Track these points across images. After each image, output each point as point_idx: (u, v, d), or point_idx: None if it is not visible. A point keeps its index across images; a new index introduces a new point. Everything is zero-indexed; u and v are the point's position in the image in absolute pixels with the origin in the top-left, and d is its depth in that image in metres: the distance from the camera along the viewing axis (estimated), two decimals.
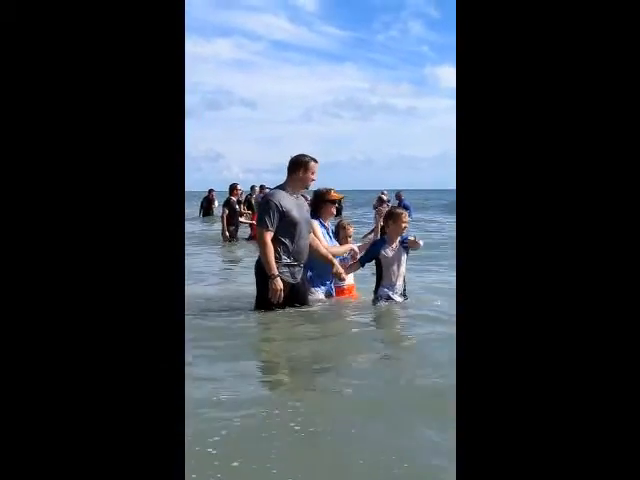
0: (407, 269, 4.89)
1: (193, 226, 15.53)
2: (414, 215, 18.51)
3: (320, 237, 4.87)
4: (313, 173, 4.54)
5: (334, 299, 4.95)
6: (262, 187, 16.90)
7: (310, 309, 4.66)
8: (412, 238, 4.80)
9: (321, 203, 4.98)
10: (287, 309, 4.49)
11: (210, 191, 19.31)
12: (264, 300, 4.44)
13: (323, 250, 4.74)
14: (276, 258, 4.39)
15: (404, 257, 4.82)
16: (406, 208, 17.18)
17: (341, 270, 4.77)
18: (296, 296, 4.57)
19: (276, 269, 4.36)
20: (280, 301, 4.40)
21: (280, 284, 4.36)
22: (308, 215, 4.65)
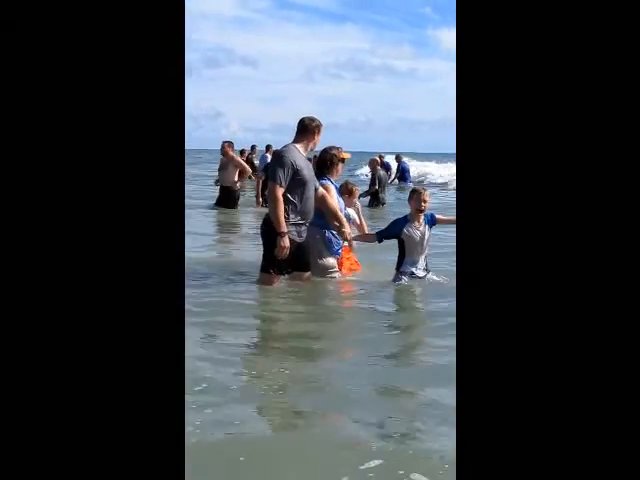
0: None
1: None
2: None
3: (335, 199, 4.88)
4: (320, 137, 4.66)
5: (343, 272, 4.94)
6: (268, 147, 16.96)
7: (321, 283, 4.69)
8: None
9: (331, 162, 4.97)
10: (295, 281, 4.55)
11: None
12: (272, 260, 4.47)
13: (333, 207, 4.71)
14: (285, 216, 4.39)
15: (428, 234, 4.78)
16: (405, 170, 17.35)
17: (349, 231, 4.74)
18: (302, 256, 4.59)
19: (285, 227, 4.36)
20: (285, 257, 4.41)
21: (287, 242, 4.37)
22: (313, 175, 4.66)
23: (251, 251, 5.79)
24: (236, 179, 10.40)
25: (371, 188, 12.05)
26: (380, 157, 14.43)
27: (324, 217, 4.78)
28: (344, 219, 4.77)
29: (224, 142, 10.43)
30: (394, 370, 3.00)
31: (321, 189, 4.74)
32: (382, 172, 12.64)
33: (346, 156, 5.22)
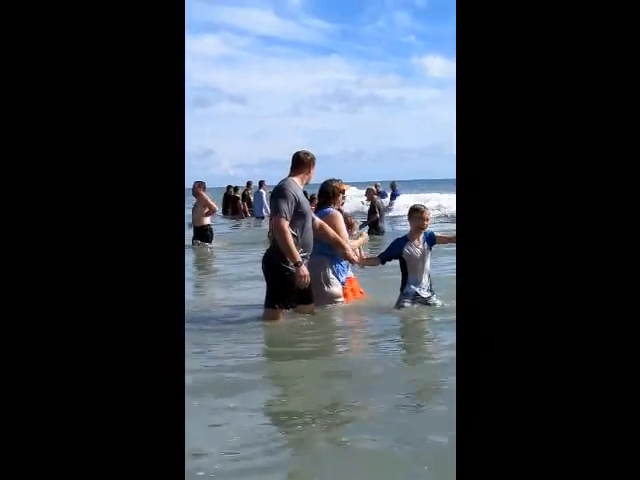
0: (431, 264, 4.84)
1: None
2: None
3: (343, 226, 4.98)
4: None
5: (348, 300, 5.01)
6: (262, 183, 17.08)
7: (328, 312, 4.73)
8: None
9: (333, 193, 5.11)
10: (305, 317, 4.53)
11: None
12: (277, 295, 4.46)
13: (333, 234, 4.78)
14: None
15: (429, 253, 4.79)
16: (394, 196, 17.46)
17: (352, 254, 4.81)
18: (305, 288, 4.55)
19: (299, 256, 4.36)
20: (306, 286, 4.42)
21: (306, 270, 4.38)
22: (310, 208, 4.73)
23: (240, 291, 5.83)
24: (206, 219, 10.50)
25: (371, 217, 11.98)
26: (376, 186, 14.48)
27: (331, 247, 4.85)
28: (345, 244, 4.84)
29: (195, 183, 10.50)
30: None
31: (317, 219, 4.82)
32: (379, 200, 12.64)
33: (346, 188, 5.37)
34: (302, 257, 4.48)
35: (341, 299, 4.95)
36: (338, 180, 5.30)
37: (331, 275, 4.91)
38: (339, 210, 5.24)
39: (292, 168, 4.68)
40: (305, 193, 5.17)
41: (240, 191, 18.78)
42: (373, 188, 13.15)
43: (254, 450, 2.29)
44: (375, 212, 11.93)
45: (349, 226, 5.39)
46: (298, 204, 4.47)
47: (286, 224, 4.39)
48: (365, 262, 5.19)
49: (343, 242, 4.82)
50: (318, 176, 5.14)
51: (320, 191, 5.32)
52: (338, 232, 4.87)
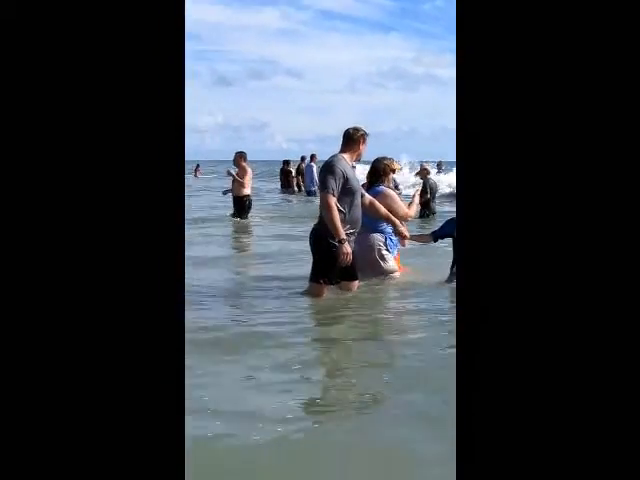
0: None
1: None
2: None
3: (399, 203, 5.13)
4: (366, 147, 4.70)
5: (402, 272, 5.14)
6: (313, 156, 17.12)
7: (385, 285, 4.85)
8: None
9: (384, 172, 5.16)
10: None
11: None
12: (322, 270, 4.49)
13: (383, 210, 4.86)
14: None
15: None
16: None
17: (404, 229, 4.89)
18: (351, 265, 4.55)
19: (344, 234, 4.36)
20: (349, 263, 4.43)
21: (349, 248, 4.39)
22: (360, 185, 4.73)
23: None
24: (245, 189, 10.59)
25: (423, 197, 11.86)
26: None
27: (381, 221, 4.93)
28: (396, 220, 4.89)
29: (236, 153, 10.59)
30: None
31: (368, 196, 4.85)
32: (432, 180, 12.48)
33: (397, 167, 5.46)
34: (349, 233, 4.50)
35: (397, 272, 5.08)
36: (390, 158, 5.33)
37: (385, 251, 5.02)
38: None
39: (342, 144, 4.68)
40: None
41: (293, 165, 18.92)
42: (427, 167, 12.96)
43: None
44: (427, 192, 11.79)
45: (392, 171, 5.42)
46: (346, 180, 4.47)
47: (333, 200, 4.40)
48: (417, 239, 5.23)
49: (394, 218, 4.87)
50: (371, 153, 5.15)
51: (371, 169, 5.31)
52: (393, 211, 4.94)
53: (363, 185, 5.15)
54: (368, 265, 4.90)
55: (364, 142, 4.67)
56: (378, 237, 4.97)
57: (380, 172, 5.17)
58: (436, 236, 4.97)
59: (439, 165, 18.08)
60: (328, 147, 4.76)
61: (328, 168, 4.54)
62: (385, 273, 4.99)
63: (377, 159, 5.27)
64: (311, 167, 16.40)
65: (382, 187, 5.13)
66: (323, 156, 4.85)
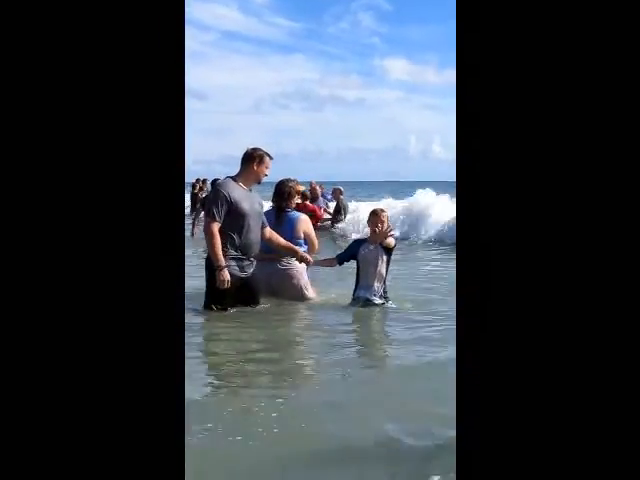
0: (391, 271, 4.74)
1: None
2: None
3: (313, 231, 5.15)
4: (267, 167, 4.51)
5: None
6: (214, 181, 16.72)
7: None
8: (389, 236, 4.59)
9: (289, 194, 5.02)
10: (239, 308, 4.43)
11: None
12: (213, 296, 4.37)
13: (283, 242, 4.76)
14: (224, 251, 4.30)
15: (383, 258, 4.63)
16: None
17: (305, 255, 4.78)
18: (250, 291, 4.50)
19: (223, 261, 4.26)
20: (227, 286, 4.29)
21: (227, 275, 4.27)
22: (260, 208, 4.58)
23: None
24: None
25: (336, 217, 12.00)
26: (321, 187, 13.97)
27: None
28: (296, 248, 4.83)
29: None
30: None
31: (267, 228, 4.72)
32: (345, 201, 12.69)
33: (301, 189, 5.36)
34: (241, 259, 4.41)
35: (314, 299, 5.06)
36: (294, 180, 5.21)
37: (306, 279, 5.02)
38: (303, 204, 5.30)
39: (240, 165, 4.54)
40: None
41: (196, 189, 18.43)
42: (340, 188, 13.08)
43: None
44: (340, 213, 11.96)
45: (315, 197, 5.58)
46: (232, 204, 4.32)
47: (213, 226, 4.29)
48: (322, 263, 5.14)
49: (294, 247, 4.78)
50: (277, 174, 5.07)
51: (276, 191, 5.14)
52: (311, 235, 5.03)
53: (272, 209, 5.07)
54: (287, 291, 4.89)
55: (261, 162, 4.48)
56: (299, 269, 4.94)
57: (284, 195, 5.03)
58: (341, 259, 4.92)
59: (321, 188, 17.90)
60: (235, 168, 4.65)
61: (212, 193, 4.48)
62: (304, 299, 4.92)
63: (281, 181, 5.14)
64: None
65: (297, 213, 5.14)
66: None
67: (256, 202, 4.55)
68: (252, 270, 4.55)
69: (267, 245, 4.75)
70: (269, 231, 4.70)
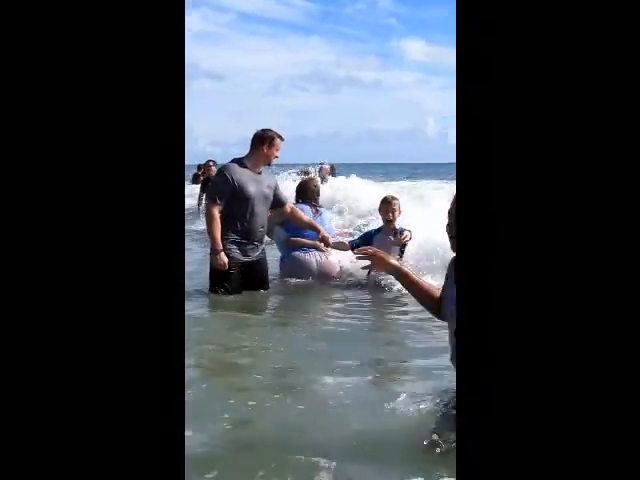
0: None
1: None
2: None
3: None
4: (277, 150, 4.38)
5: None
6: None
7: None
8: (405, 234, 4.56)
9: (315, 194, 5.23)
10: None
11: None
12: (215, 280, 4.31)
13: (307, 218, 4.83)
14: (225, 234, 4.24)
15: (396, 249, 4.56)
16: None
17: (327, 234, 4.81)
18: (252, 275, 4.41)
19: (220, 244, 4.19)
20: (224, 269, 4.23)
21: (223, 259, 4.20)
22: (269, 191, 4.46)
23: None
24: None
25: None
26: (332, 168, 13.17)
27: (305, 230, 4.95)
28: (319, 225, 4.86)
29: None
30: None
31: (289, 204, 4.74)
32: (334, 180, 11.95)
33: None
34: (243, 243, 4.35)
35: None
36: (313, 178, 5.94)
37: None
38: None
39: (250, 147, 4.44)
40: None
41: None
42: (326, 166, 12.19)
43: None
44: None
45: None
46: (238, 187, 4.24)
47: (213, 209, 4.23)
48: (337, 246, 5.14)
49: (317, 225, 4.81)
50: (296, 156, 5.07)
51: (302, 190, 5.30)
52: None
53: (305, 205, 5.11)
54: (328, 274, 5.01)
55: (272, 145, 4.36)
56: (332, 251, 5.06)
57: (315, 194, 5.23)
58: (353, 246, 4.92)
59: (332, 168, 17.30)
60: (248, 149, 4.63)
61: (215, 176, 4.51)
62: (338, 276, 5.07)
63: (305, 181, 5.51)
64: None
65: (327, 211, 5.48)
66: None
67: (264, 185, 4.42)
68: (258, 254, 4.46)
69: (294, 227, 4.87)
70: (290, 206, 4.70)
